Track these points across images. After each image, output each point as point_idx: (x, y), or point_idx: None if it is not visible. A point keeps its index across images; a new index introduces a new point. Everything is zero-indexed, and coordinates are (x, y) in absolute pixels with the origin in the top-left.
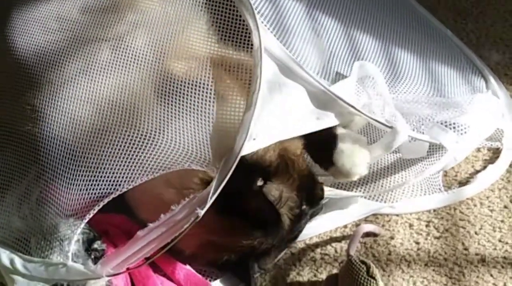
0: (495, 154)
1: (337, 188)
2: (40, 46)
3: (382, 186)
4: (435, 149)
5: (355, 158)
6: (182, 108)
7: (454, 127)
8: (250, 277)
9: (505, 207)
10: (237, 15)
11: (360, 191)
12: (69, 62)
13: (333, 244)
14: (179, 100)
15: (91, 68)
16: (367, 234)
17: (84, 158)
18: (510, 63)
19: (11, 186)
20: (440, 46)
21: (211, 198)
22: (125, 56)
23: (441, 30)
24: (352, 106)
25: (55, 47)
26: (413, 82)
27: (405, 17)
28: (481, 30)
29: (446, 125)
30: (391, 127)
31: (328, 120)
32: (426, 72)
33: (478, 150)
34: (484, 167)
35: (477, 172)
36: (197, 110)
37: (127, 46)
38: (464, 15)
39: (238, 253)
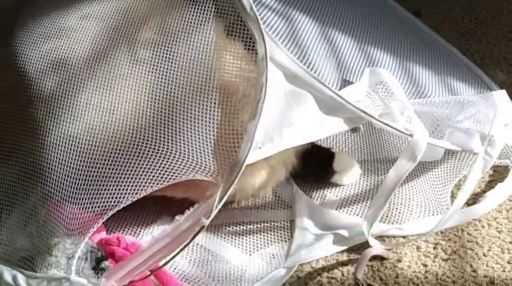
0: (501, 174)
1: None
2: (43, 59)
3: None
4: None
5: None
6: (187, 119)
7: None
8: None
9: None
10: (244, 25)
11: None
12: (72, 74)
13: (340, 268)
14: (184, 110)
15: (93, 80)
16: (374, 257)
17: (88, 171)
18: None
19: (17, 204)
20: (448, 63)
21: (216, 208)
22: (129, 67)
23: (446, 48)
24: (362, 111)
25: (58, 58)
26: (428, 90)
27: (412, 37)
28: (485, 50)
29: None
30: (410, 135)
31: (337, 126)
32: (441, 84)
33: None
34: (491, 187)
35: (484, 192)
36: (202, 120)
37: (132, 57)
38: (468, 35)
39: None
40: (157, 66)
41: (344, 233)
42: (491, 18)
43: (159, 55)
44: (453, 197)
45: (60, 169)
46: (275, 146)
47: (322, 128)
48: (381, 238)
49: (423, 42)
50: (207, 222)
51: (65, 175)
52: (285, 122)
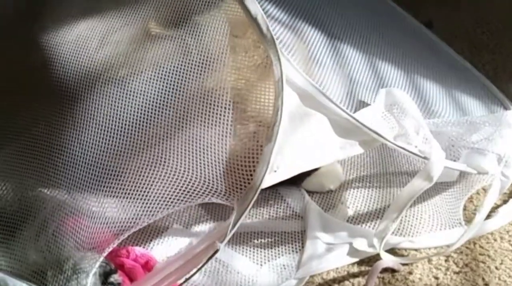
0: None
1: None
2: (68, 61)
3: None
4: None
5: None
6: (203, 141)
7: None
8: None
9: None
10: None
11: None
12: (88, 88)
13: (351, 279)
14: (199, 132)
15: (111, 97)
16: (385, 269)
17: (104, 191)
18: None
19: (29, 219)
20: (461, 78)
21: (230, 231)
22: (147, 85)
23: (459, 62)
24: (378, 133)
25: (82, 66)
26: (440, 110)
27: (424, 50)
28: (497, 61)
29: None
30: (425, 158)
31: (352, 149)
32: (452, 103)
33: None
34: (504, 201)
35: (497, 206)
36: (218, 142)
37: (149, 74)
38: (480, 47)
39: None
40: (168, 84)
41: (356, 244)
42: (503, 29)
43: (171, 75)
44: (465, 210)
45: (75, 182)
46: (290, 169)
47: (337, 151)
48: (392, 250)
49: (435, 56)
50: (221, 245)
51: (80, 189)
52: (300, 145)
